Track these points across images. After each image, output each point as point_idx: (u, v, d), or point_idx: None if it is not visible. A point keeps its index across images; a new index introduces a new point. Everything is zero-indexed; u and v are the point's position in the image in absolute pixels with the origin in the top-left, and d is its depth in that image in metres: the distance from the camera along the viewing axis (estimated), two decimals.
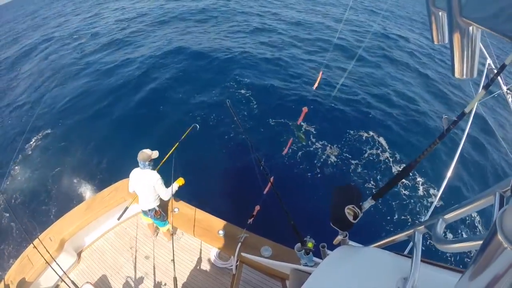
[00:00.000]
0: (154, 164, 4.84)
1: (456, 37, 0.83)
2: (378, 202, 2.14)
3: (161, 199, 5.00)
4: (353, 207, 2.07)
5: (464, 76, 0.88)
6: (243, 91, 11.00)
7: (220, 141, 8.69)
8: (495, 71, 3.27)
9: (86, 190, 8.61)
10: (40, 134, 10.75)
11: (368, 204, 2.09)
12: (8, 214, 8.36)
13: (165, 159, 5.27)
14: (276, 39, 15.44)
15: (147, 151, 4.68)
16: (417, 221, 6.86)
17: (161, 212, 5.06)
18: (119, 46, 16.80)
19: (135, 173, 4.84)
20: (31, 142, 10.45)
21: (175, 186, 4.98)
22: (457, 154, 3.90)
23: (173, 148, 5.39)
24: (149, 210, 4.94)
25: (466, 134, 4.08)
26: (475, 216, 7.30)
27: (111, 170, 8.73)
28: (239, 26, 16.88)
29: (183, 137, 5.60)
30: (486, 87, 2.89)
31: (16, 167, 9.78)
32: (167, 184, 4.90)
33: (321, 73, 5.30)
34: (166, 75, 12.57)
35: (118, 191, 5.81)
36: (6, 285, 4.77)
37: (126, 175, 6.97)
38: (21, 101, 12.99)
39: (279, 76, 11.94)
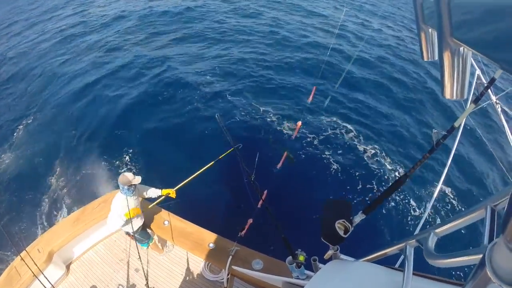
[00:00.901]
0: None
1: (446, 56, 0.81)
2: (369, 216, 2.13)
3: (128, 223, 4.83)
4: (343, 221, 2.06)
5: (454, 97, 0.86)
6: (235, 103, 11.04)
7: (212, 154, 8.66)
8: (485, 84, 3.30)
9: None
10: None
11: (359, 218, 2.08)
12: None
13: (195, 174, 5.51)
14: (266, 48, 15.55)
15: (127, 175, 4.56)
16: (409, 234, 6.88)
17: (134, 235, 4.87)
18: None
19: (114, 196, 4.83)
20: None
21: (158, 191, 5.11)
22: (446, 167, 3.94)
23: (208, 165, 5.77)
24: (132, 228, 4.76)
25: (455, 147, 4.12)
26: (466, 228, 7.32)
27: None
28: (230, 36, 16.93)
29: (221, 156, 5.86)
30: (475, 101, 2.92)
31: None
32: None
33: (314, 87, 5.36)
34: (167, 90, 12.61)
35: (107, 202, 5.72)
36: None
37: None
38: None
39: (274, 89, 12.00)
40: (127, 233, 4.99)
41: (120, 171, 8.81)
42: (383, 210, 7.36)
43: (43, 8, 26.82)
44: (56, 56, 16.63)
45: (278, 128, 9.71)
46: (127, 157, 9.28)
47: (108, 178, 8.72)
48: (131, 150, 9.49)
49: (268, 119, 10.16)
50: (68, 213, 8.07)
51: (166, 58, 14.63)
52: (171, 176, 7.13)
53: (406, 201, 7.74)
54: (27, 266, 4.17)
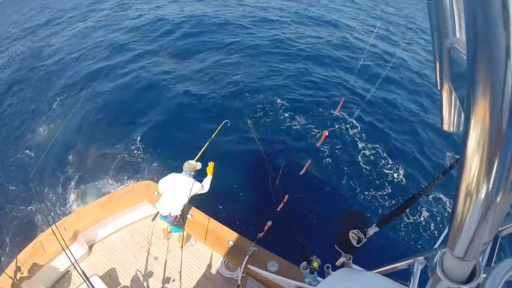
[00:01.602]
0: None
1: (445, 90, 0.88)
2: (382, 229, 2.22)
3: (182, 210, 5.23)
4: (357, 231, 2.16)
5: (452, 129, 0.94)
6: (266, 108, 11.23)
7: (239, 155, 8.88)
8: None
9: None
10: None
11: (372, 230, 2.18)
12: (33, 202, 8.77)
13: (198, 155, 5.74)
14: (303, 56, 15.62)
15: (192, 162, 5.17)
16: (421, 249, 6.79)
17: (180, 219, 5.23)
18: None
19: (174, 177, 5.16)
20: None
21: (209, 178, 5.33)
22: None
23: (205, 145, 5.91)
24: (170, 214, 5.09)
25: None
26: None
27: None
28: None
29: (214, 135, 6.05)
30: None
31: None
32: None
33: (343, 99, 5.41)
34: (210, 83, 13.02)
35: (135, 192, 6.02)
36: (17, 266, 4.99)
37: (143, 177, 7.28)
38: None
39: (303, 97, 12.09)
40: (175, 217, 5.19)
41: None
42: (400, 225, 7.32)
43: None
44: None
45: (305, 135, 9.83)
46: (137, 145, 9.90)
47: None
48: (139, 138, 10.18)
49: (295, 127, 10.28)
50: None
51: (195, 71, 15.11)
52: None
53: (424, 217, 7.65)
54: (57, 239, 4.31)
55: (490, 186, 0.50)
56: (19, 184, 9.67)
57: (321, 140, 5.12)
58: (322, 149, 9.06)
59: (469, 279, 0.68)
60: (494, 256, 1.42)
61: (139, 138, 10.21)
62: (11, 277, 4.78)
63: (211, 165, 5.41)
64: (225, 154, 8.79)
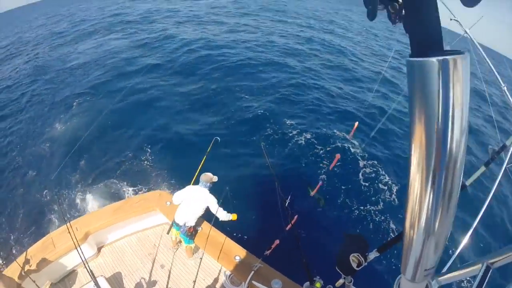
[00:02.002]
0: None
1: None
2: (383, 255, 2.27)
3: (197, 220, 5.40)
4: (358, 255, 2.22)
5: None
6: (277, 130, 11.45)
7: (250, 175, 9.01)
8: (496, 149, 3.26)
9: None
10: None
11: (373, 255, 2.24)
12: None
13: (195, 176, 5.80)
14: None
15: (209, 174, 5.39)
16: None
17: (193, 230, 5.41)
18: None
19: (191, 189, 5.40)
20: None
21: (229, 216, 5.43)
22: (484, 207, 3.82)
23: (202, 162, 6.04)
24: (184, 224, 5.25)
25: (504, 168, 3.95)
26: None
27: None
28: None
29: (207, 152, 6.17)
30: (486, 164, 2.93)
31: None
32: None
33: (356, 123, 5.46)
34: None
35: (148, 200, 6.19)
36: (26, 259, 5.17)
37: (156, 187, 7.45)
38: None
39: (315, 119, 12.22)
40: (189, 227, 5.34)
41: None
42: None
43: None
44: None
45: (317, 158, 9.91)
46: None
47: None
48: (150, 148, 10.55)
49: (307, 148, 10.37)
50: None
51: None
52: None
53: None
54: (70, 237, 4.49)
55: (428, 217, 0.61)
56: (38, 182, 10.05)
57: (334, 163, 5.20)
58: (334, 172, 9.09)
59: None
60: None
61: (156, 148, 10.53)
62: (20, 268, 4.97)
63: (233, 216, 5.52)
64: (238, 172, 8.95)
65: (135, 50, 19.80)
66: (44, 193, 9.58)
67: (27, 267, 5.04)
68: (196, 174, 5.80)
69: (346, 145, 10.32)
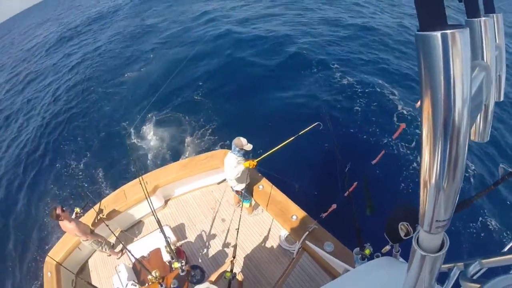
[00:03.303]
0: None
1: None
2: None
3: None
4: (407, 224, 2.22)
5: (478, 139, 1.06)
6: (342, 100, 11.12)
7: (312, 138, 8.97)
8: None
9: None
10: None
11: None
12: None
13: (276, 148, 5.63)
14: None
15: (242, 140, 5.13)
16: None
17: (242, 193, 5.60)
18: None
19: (228, 155, 5.41)
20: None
21: (242, 185, 5.48)
22: None
23: (290, 139, 5.67)
24: (232, 187, 5.60)
25: None
26: None
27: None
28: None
29: (303, 132, 5.82)
30: None
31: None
32: None
33: (403, 125, 5.08)
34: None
35: (214, 158, 6.57)
36: (100, 209, 5.91)
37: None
38: None
39: (382, 87, 11.53)
40: (236, 191, 5.67)
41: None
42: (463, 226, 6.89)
43: None
44: None
45: (380, 128, 9.53)
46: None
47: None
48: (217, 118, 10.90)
49: (372, 117, 10.00)
50: None
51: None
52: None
53: (472, 224, 7.06)
54: (143, 188, 4.93)
55: (437, 176, 0.68)
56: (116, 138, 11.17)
57: (398, 132, 4.99)
58: (397, 142, 8.66)
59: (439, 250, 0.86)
60: None
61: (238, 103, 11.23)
62: (96, 213, 5.71)
63: (252, 163, 5.25)
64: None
65: None
66: (118, 148, 10.69)
67: (100, 216, 5.78)
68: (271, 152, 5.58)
69: (410, 115, 9.70)
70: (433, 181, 0.67)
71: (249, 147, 5.15)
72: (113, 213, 5.94)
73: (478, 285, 0.97)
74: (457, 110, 0.58)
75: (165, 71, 14.83)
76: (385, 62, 13.36)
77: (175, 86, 13.15)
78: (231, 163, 5.19)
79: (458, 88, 0.56)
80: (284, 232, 5.69)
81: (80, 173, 10.77)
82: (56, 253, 5.69)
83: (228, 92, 12.58)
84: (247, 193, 5.72)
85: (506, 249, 1.66)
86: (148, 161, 10.26)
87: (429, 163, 0.66)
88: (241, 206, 5.93)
